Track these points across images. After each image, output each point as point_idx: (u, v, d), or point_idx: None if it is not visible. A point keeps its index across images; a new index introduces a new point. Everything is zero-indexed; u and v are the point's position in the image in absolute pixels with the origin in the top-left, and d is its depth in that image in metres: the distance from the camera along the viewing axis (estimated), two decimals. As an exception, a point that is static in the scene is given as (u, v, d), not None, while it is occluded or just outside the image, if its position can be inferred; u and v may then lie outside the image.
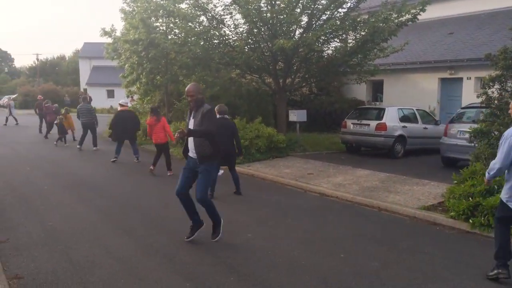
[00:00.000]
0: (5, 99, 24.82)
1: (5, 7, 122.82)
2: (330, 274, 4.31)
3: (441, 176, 8.74)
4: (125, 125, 11.14)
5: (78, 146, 13.55)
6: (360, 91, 18.78)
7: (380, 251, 5.02)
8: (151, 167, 9.61)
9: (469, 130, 7.69)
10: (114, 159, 11.17)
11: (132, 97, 20.44)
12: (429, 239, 5.56)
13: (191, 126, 4.98)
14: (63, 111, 15.87)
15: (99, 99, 37.83)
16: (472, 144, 7.68)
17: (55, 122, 15.51)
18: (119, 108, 11.73)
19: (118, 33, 15.13)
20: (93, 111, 13.96)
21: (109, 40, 15.16)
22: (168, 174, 9.49)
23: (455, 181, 6.78)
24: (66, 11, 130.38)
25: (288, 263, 4.59)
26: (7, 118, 22.65)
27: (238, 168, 10.40)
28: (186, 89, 5.09)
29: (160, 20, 14.31)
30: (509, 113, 3.97)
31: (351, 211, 6.94)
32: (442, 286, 4.09)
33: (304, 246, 5.13)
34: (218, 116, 7.23)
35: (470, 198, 5.99)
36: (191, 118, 5.04)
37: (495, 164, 4.18)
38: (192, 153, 5.02)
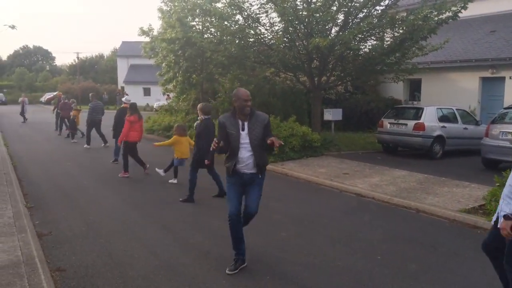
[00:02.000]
0: (21, 98, 25.49)
1: (46, 5, 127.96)
2: (366, 275, 4.28)
3: (482, 178, 8.46)
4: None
5: (102, 145, 13.60)
6: (397, 90, 18.40)
7: (419, 254, 4.93)
8: (126, 174, 9.06)
9: (511, 131, 7.40)
10: (115, 161, 10.71)
11: (168, 95, 20.91)
12: (470, 242, 5.41)
13: (244, 136, 4.28)
14: (79, 107, 15.92)
15: (135, 97, 38.77)
16: (516, 146, 7.39)
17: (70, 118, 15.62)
18: (122, 105, 11.07)
19: (155, 32, 15.50)
20: (103, 110, 13.87)
21: (146, 39, 15.56)
22: (120, 175, 9.02)
23: (497, 184, 6.55)
24: (105, 10, 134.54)
25: (323, 263, 4.59)
26: (24, 117, 23.22)
27: (271, 167, 10.53)
28: (241, 93, 4.31)
29: (197, 19, 14.54)
30: None
31: (388, 212, 6.84)
32: (484, 292, 3.99)
33: (340, 247, 5.12)
34: (204, 117, 7.09)
35: (513, 202, 5.78)
36: (243, 129, 4.29)
37: None
38: (246, 167, 4.33)
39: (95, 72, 68.48)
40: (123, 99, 11.29)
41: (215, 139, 4.38)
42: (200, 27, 14.54)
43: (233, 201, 4.34)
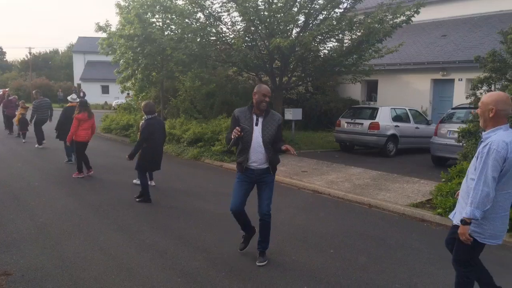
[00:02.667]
0: None
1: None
2: (319, 269, 4.42)
3: (431, 174, 8.91)
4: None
5: (39, 145, 12.76)
6: (355, 91, 18.97)
7: (369, 246, 5.15)
8: (80, 175, 8.76)
9: (457, 130, 7.86)
10: (69, 161, 10.33)
11: (128, 93, 20.44)
12: (417, 235, 5.71)
13: (257, 132, 4.31)
14: (27, 105, 15.04)
15: (93, 95, 37.77)
16: (460, 144, 7.84)
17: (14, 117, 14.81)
18: (67, 104, 10.49)
19: (113, 28, 15.13)
20: (51, 107, 13.11)
21: (104, 35, 15.16)
22: (90, 173, 8.86)
23: (443, 179, 6.95)
24: (60, 4, 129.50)
25: (279, 258, 4.70)
26: None
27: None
28: (262, 88, 4.34)
29: (157, 16, 14.31)
30: (476, 112, 3.28)
31: (342, 207, 7.08)
32: (427, 280, 4.23)
33: (296, 242, 5.25)
34: (149, 116, 6.83)
35: (456, 196, 6.14)
36: (256, 124, 4.33)
37: (486, 192, 2.92)
38: (258, 163, 4.37)
39: (49, 69, 65.68)
40: (69, 97, 10.46)
41: (236, 128, 4.17)
42: (160, 24, 14.34)
43: (236, 198, 4.45)
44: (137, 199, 6.97)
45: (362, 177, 8.95)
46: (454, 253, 3.29)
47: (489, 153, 2.92)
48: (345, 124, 12.59)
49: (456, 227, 3.19)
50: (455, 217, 3.28)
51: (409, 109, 13.04)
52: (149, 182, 7.90)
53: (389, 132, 11.95)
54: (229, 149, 4.60)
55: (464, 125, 7.99)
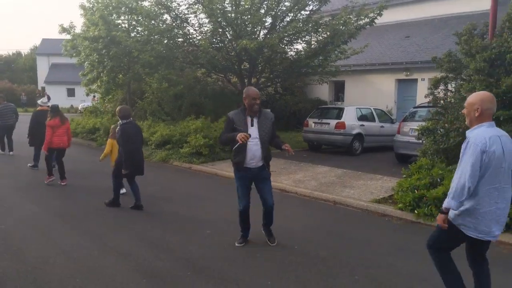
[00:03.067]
0: None
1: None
2: (283, 265, 4.53)
3: (394, 171, 9.21)
4: (44, 127, 8.89)
5: (10, 153, 12.08)
6: (323, 91, 19.29)
7: (330, 241, 5.32)
8: (51, 178, 8.47)
9: (417, 128, 8.17)
10: (34, 167, 9.93)
11: (94, 96, 20.09)
12: (378, 229, 5.92)
13: (255, 133, 4.59)
14: None
15: (58, 98, 36.73)
16: (420, 141, 8.15)
17: None
18: (38, 108, 10.08)
19: (78, 30, 14.87)
20: (17, 112, 12.38)
21: (68, 37, 14.86)
22: (63, 184, 8.36)
23: (404, 175, 7.21)
24: (23, 5, 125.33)
25: (245, 255, 4.79)
26: None
27: (202, 167, 10.61)
28: (250, 92, 4.63)
29: (122, 17, 14.17)
30: (462, 113, 3.33)
31: (308, 205, 7.24)
32: (384, 271, 4.40)
33: (262, 240, 5.33)
34: (125, 121, 6.59)
35: (415, 191, 6.42)
36: (252, 125, 4.61)
37: (462, 183, 3.01)
38: (254, 161, 4.67)
39: (12, 72, 63.39)
40: (39, 101, 10.06)
41: (245, 134, 4.40)
42: (126, 25, 14.19)
43: (245, 198, 4.80)
44: (106, 204, 6.81)
45: (328, 175, 9.16)
46: (430, 237, 3.38)
47: (467, 147, 3.01)
48: (313, 124, 12.82)
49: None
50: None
51: (374, 109, 13.41)
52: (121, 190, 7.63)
53: (355, 131, 12.26)
54: (232, 148, 4.78)
55: (424, 123, 8.30)
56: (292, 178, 9.04)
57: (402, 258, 4.78)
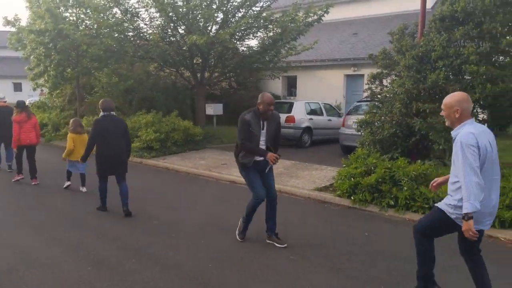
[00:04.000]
0: None
1: None
2: (226, 250, 4.86)
3: (338, 162, 9.67)
4: (3, 125, 8.92)
5: None
6: (277, 86, 19.75)
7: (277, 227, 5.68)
8: (19, 177, 8.32)
9: (356, 121, 8.72)
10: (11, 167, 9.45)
11: (42, 90, 19.44)
12: (317, 214, 6.38)
13: (263, 135, 4.89)
14: None
15: (4, 93, 34.98)
16: (360, 133, 8.72)
17: None
18: None
19: (23, 23, 14.38)
20: None
21: (13, 29, 14.34)
22: (33, 183, 8.09)
23: (344, 165, 7.72)
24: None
25: (189, 242, 5.06)
26: None
27: (153, 161, 10.70)
28: (266, 98, 4.80)
29: (70, 10, 13.85)
30: (441, 114, 3.39)
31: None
32: (318, 251, 4.82)
33: (208, 228, 5.63)
34: (104, 113, 6.18)
35: (352, 179, 6.93)
36: (263, 128, 4.87)
37: (474, 183, 2.98)
38: (260, 158, 4.92)
39: (-47, 65, 59.45)
40: None
41: (275, 156, 4.75)
42: (74, 18, 13.89)
43: (260, 185, 4.94)
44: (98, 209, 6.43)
45: (277, 167, 9.41)
46: (420, 223, 3.48)
47: (462, 147, 3.03)
48: (264, 118, 13.18)
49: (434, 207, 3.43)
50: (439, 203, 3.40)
51: (322, 103, 13.99)
52: (82, 188, 7.66)
53: (304, 125, 12.77)
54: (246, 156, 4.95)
55: (363, 117, 8.87)
56: (241, 170, 9.36)
57: (333, 240, 5.23)
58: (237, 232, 5.22)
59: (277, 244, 4.98)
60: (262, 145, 4.92)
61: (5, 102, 9.20)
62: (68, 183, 7.77)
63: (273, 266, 4.40)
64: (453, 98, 3.22)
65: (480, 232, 3.19)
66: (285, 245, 4.96)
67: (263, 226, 5.18)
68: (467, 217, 2.97)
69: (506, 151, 10.21)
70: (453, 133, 3.22)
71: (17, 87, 41.52)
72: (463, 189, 3.01)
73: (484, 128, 3.23)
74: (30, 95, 32.62)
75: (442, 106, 3.26)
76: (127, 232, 5.41)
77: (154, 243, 5.02)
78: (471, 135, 3.04)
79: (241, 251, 4.80)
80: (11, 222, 5.80)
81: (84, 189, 7.61)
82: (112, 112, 6.25)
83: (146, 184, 8.38)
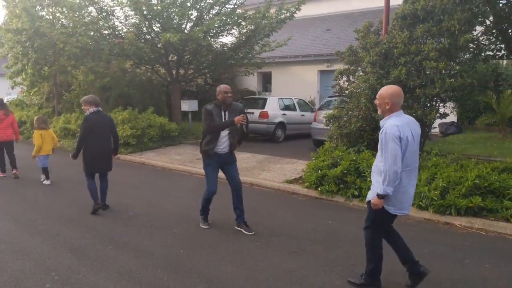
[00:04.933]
0: None
1: None
2: (195, 239, 5.24)
3: (309, 156, 10.15)
4: None
5: None
6: (252, 82, 20.12)
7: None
8: (3, 175, 8.72)
9: (325, 115, 9.17)
10: None
11: (22, 88, 19.34)
12: (285, 205, 6.80)
13: None
14: None
15: (-20, 91, 34.38)
16: (329, 127, 9.17)
17: None
18: None
19: (0, 22, 14.37)
20: None
21: (-11, 29, 14.32)
22: (14, 172, 8.57)
23: (313, 158, 8.17)
24: None
25: (162, 231, 5.42)
26: None
27: (130, 157, 10.96)
28: (222, 87, 5.18)
29: (46, 10, 13.91)
30: (375, 103, 3.72)
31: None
32: (282, 238, 5.24)
33: (179, 218, 6.01)
34: (93, 109, 6.20)
35: (319, 171, 7.37)
36: (225, 118, 5.18)
37: (393, 169, 3.38)
38: (223, 149, 5.24)
39: None
40: None
41: (242, 116, 5.04)
42: (50, 17, 13.94)
43: (213, 180, 5.33)
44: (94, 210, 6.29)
45: (250, 161, 9.97)
46: (367, 220, 3.80)
47: (386, 137, 3.37)
48: (239, 114, 13.55)
49: (369, 202, 3.71)
50: (368, 195, 3.76)
51: (295, 99, 14.44)
52: (45, 181, 8.02)
53: (277, 120, 13.20)
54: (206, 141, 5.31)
55: (331, 111, 9.32)
56: (216, 164, 9.72)
57: (302, 228, 5.66)
58: (200, 224, 5.62)
59: (245, 232, 5.37)
60: (225, 136, 5.24)
61: None
62: (47, 181, 8.08)
63: (240, 251, 4.80)
64: (387, 91, 3.53)
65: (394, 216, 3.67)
66: (253, 232, 5.35)
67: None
68: (380, 196, 3.48)
69: (474, 143, 10.89)
70: (381, 122, 3.58)
71: (-7, 85, 40.62)
72: (383, 174, 3.43)
73: (409, 119, 3.57)
74: (8, 93, 32.10)
75: (377, 96, 3.60)
76: (104, 222, 5.73)
77: (130, 232, 5.37)
78: (395, 127, 3.38)
79: (210, 239, 5.19)
80: (-9, 217, 6.05)
81: (47, 182, 8.01)
82: (98, 108, 6.30)
83: (122, 179, 8.65)
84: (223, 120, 5.18)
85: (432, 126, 8.24)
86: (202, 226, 5.57)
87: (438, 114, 7.88)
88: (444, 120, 10.13)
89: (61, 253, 4.66)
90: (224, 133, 5.24)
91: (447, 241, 5.17)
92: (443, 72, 7.49)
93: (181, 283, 3.96)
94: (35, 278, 4.06)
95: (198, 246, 4.94)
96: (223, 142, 5.27)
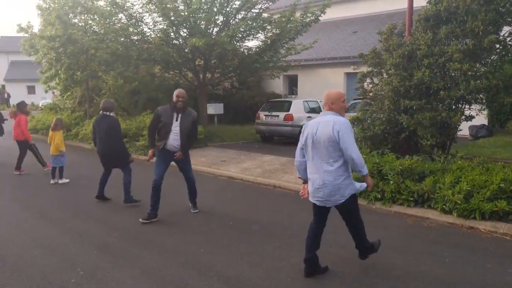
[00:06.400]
0: None
1: None
2: (217, 236, 5.36)
3: (332, 158, 10.19)
4: None
5: None
6: (278, 85, 20.22)
7: (263, 217, 6.17)
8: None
9: (348, 118, 9.12)
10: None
11: (53, 92, 20.23)
12: (307, 208, 6.70)
13: (175, 126, 5.79)
14: None
15: (19, 96, 36.02)
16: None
17: None
18: None
19: (36, 29, 15.13)
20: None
21: (26, 35, 15.09)
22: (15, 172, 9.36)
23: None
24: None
25: (184, 229, 5.59)
26: None
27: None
28: (176, 92, 5.80)
29: (78, 17, 14.53)
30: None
31: (250, 189, 8.09)
32: (294, 241, 5.29)
33: (201, 217, 6.16)
34: (101, 113, 6.95)
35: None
36: (176, 120, 5.78)
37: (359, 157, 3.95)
38: (172, 147, 5.86)
39: (-33, 69, 60.85)
40: None
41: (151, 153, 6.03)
42: (82, 24, 14.55)
43: (160, 170, 5.93)
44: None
45: (273, 163, 10.04)
46: (356, 212, 4.44)
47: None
48: (264, 117, 13.69)
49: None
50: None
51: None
52: (61, 180, 8.50)
53: (302, 123, 13.13)
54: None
55: (355, 114, 9.28)
56: (240, 166, 9.86)
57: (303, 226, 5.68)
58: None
59: (192, 211, 6.33)
60: (176, 136, 5.80)
61: None
62: (64, 180, 8.56)
63: (259, 252, 4.89)
64: (330, 93, 4.12)
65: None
66: (197, 210, 6.31)
67: (252, 218, 5.62)
68: (368, 175, 4.18)
69: (504, 147, 10.54)
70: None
71: (31, 90, 42.68)
72: (357, 158, 3.96)
73: (323, 119, 4.05)
74: (43, 98, 33.64)
75: (324, 95, 4.16)
76: (130, 221, 5.94)
77: (154, 231, 5.56)
78: (306, 124, 4.22)
79: (230, 239, 5.29)
80: (23, 213, 6.37)
81: (54, 181, 8.45)
82: (107, 112, 6.80)
83: (149, 180, 8.88)
84: (174, 121, 5.79)
85: (460, 129, 8.07)
86: (141, 220, 5.85)
87: (463, 117, 7.71)
88: (474, 123, 9.93)
89: (87, 250, 4.89)
90: (175, 134, 5.80)
91: (470, 245, 5.08)
92: (468, 73, 7.34)
93: (200, 281, 4.09)
94: (61, 273, 4.28)
95: (219, 246, 5.06)
96: (173, 142, 5.84)
